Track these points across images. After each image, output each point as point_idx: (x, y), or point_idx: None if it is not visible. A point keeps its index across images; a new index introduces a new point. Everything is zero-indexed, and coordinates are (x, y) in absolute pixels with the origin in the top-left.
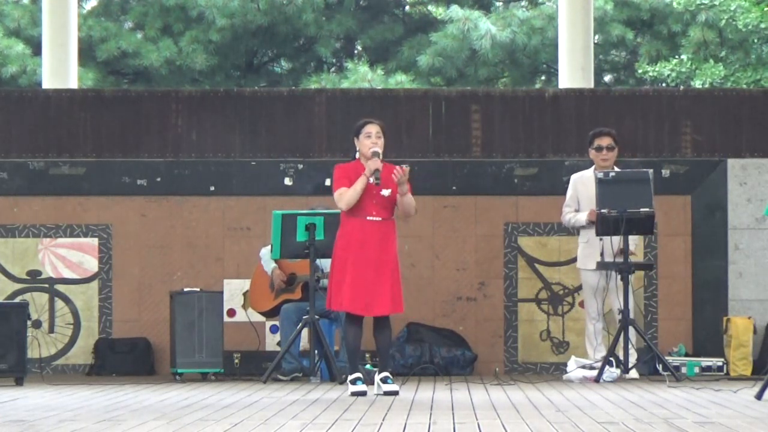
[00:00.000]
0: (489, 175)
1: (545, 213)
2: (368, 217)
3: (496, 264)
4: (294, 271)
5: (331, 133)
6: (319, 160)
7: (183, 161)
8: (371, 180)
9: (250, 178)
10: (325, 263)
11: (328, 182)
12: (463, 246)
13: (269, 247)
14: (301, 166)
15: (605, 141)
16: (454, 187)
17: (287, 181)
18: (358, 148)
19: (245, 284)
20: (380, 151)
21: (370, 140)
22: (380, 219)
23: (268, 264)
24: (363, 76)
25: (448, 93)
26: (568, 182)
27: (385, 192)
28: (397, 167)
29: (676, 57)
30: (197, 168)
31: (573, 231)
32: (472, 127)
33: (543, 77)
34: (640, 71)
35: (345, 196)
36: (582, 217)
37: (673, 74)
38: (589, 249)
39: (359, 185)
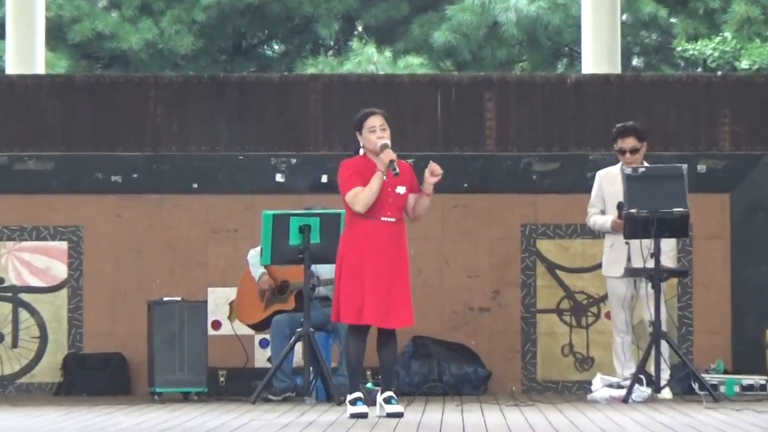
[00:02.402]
0: (504, 170)
1: (567, 213)
2: (383, 218)
3: (513, 270)
4: (286, 278)
5: (328, 123)
6: (315, 154)
7: (163, 155)
8: (392, 171)
9: (237, 174)
10: (321, 269)
11: (324, 178)
12: (476, 250)
13: (258, 249)
14: (294, 161)
15: (628, 143)
16: (465, 184)
17: (279, 178)
18: (362, 144)
19: (232, 293)
20: (389, 143)
21: (376, 134)
22: (394, 220)
23: (257, 269)
24: (369, 58)
25: (458, 79)
26: (592, 179)
27: (400, 190)
28: (432, 163)
29: (719, 35)
30: (178, 163)
31: (598, 234)
32: (486, 117)
33: (565, 60)
34: (678, 49)
35: (361, 197)
36: (607, 222)
37: (716, 54)
38: (616, 254)
39: (375, 183)
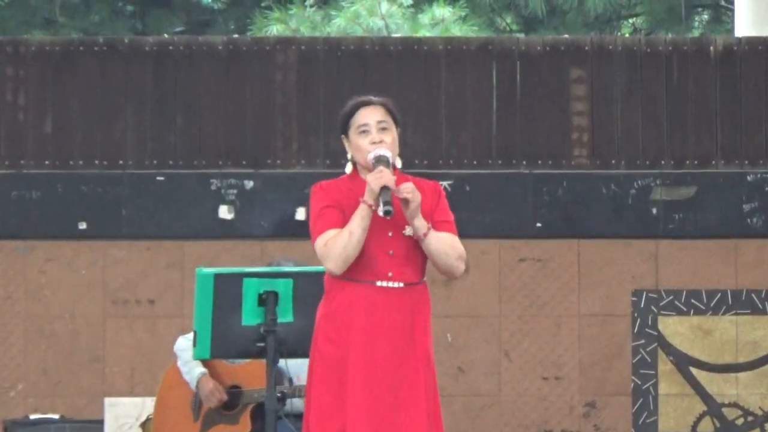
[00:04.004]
0: (604, 200)
1: (710, 272)
2: (379, 282)
3: (619, 367)
4: (237, 382)
5: (306, 119)
6: (285, 172)
7: (27, 175)
8: (379, 211)
9: (154, 205)
10: (296, 368)
11: (301, 213)
12: (556, 334)
13: (191, 335)
14: (250, 184)
15: None
16: (538, 224)
17: (225, 212)
18: (349, 154)
19: (147, 405)
20: (390, 154)
21: (369, 137)
22: (401, 285)
23: (190, 368)
24: (372, 9)
25: (527, 46)
26: (753, 213)
27: (410, 231)
28: (405, 184)
29: None
30: (55, 187)
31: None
32: (572, 110)
33: (704, 14)
34: None
35: (335, 246)
36: None
37: None
38: None
39: (358, 222)
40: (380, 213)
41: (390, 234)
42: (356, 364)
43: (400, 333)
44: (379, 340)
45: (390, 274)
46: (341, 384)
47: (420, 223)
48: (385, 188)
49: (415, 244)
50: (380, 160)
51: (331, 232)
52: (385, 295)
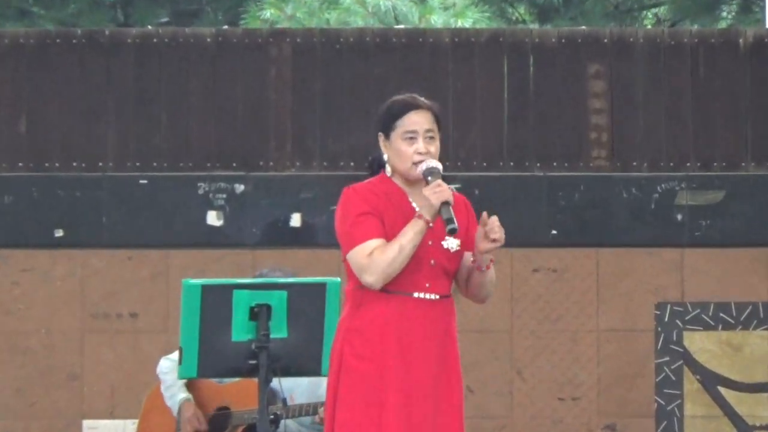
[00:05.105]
0: (624, 204)
1: (739, 283)
2: (417, 293)
3: (641, 387)
4: (226, 403)
5: (301, 118)
6: (278, 174)
7: (0, 178)
8: (444, 222)
9: (137, 211)
10: (291, 388)
11: (296, 220)
12: (573, 350)
13: (174, 355)
14: (241, 188)
15: None
16: (553, 231)
17: (213, 218)
18: (386, 158)
19: (128, 429)
20: (441, 167)
21: (416, 146)
22: (436, 297)
23: (174, 390)
24: None
25: (540, 38)
26: None
27: (452, 244)
28: (486, 217)
29: None
30: (29, 191)
31: None
32: (589, 108)
33: (733, 5)
34: None
35: (382, 260)
36: None
37: None
38: None
39: (410, 239)
40: (448, 230)
41: (430, 243)
42: (394, 380)
43: (436, 347)
44: (414, 355)
45: (428, 285)
46: (373, 400)
47: (484, 259)
48: (445, 204)
49: (453, 257)
50: (433, 173)
51: (374, 243)
52: (421, 308)
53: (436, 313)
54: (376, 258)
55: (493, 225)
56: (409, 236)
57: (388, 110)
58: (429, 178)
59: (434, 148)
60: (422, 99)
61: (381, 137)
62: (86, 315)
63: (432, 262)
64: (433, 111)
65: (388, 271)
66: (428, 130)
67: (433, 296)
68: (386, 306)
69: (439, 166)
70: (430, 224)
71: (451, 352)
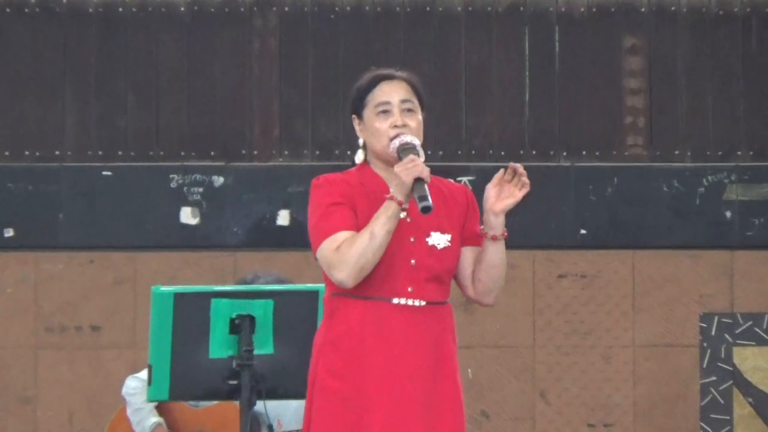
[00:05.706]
0: (664, 200)
1: None
2: (396, 299)
3: (684, 411)
4: (203, 429)
5: (290, 99)
6: (262, 165)
7: None
8: (418, 206)
9: (99, 207)
10: (278, 411)
11: (284, 218)
12: (605, 369)
13: (143, 374)
14: (220, 180)
15: None
16: (582, 231)
17: (187, 215)
18: (361, 139)
19: None
20: (418, 142)
21: (390, 120)
22: (422, 303)
23: (143, 419)
24: None
25: (564, 7)
26: None
27: (438, 239)
28: (500, 173)
29: None
30: None
31: None
32: (624, 88)
33: None
34: None
35: (351, 251)
36: None
37: None
38: None
39: (383, 222)
40: (420, 208)
41: (412, 239)
42: (375, 400)
43: (423, 363)
44: (398, 372)
45: (410, 290)
46: (353, 422)
47: (497, 223)
48: (419, 180)
49: (442, 256)
50: (407, 149)
51: (343, 235)
52: (403, 317)
53: (423, 323)
54: (343, 250)
55: (517, 166)
56: (381, 221)
57: (357, 87)
58: (401, 155)
59: (414, 122)
60: (396, 70)
61: (355, 120)
62: (40, 328)
63: (412, 261)
64: (411, 82)
65: (361, 262)
66: (405, 101)
67: (417, 302)
68: (362, 314)
69: (416, 141)
70: (404, 205)
71: (444, 369)
